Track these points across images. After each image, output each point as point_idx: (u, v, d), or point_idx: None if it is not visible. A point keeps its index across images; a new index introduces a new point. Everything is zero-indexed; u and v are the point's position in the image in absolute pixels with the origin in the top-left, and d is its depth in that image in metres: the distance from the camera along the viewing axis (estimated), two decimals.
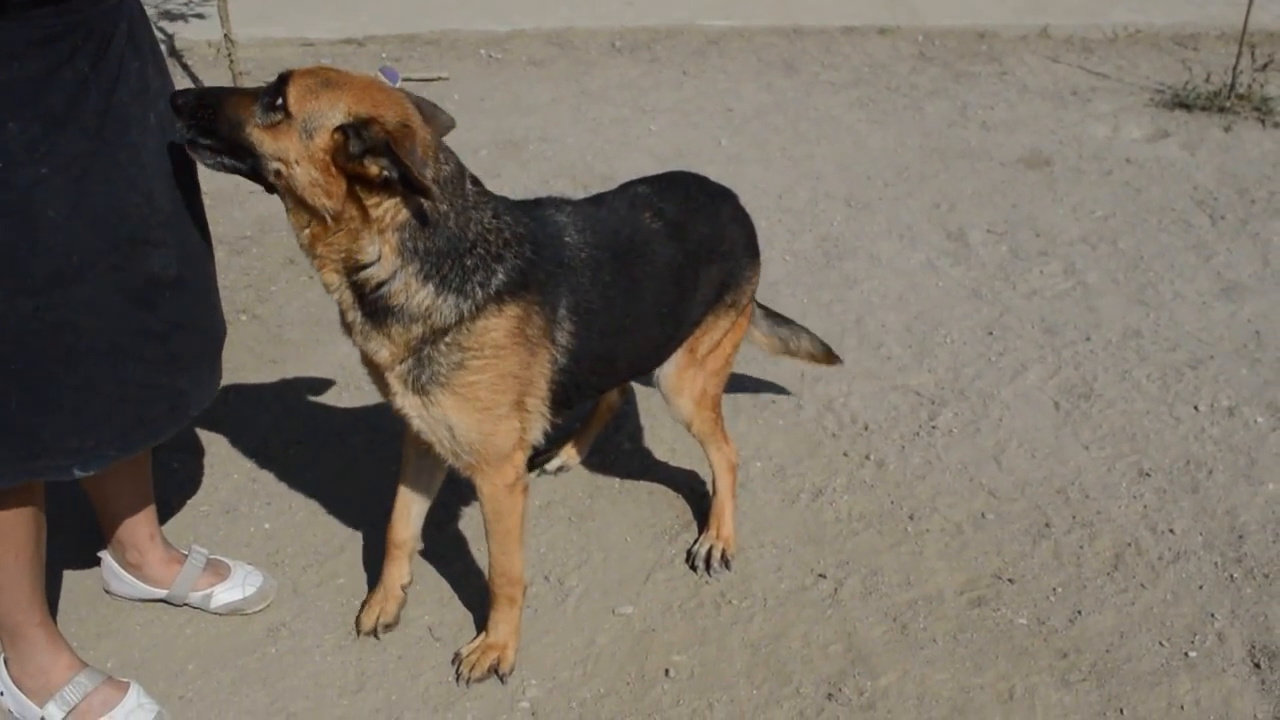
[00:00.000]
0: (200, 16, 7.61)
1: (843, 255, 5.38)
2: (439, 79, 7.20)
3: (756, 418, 4.18)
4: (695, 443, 3.95)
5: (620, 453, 3.98)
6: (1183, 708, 3.07)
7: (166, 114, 2.64)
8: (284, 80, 2.53)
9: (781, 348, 3.85)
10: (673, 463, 3.95)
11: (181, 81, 6.88)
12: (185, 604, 3.27)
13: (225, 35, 6.22)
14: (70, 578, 3.38)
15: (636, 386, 4.18)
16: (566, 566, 3.48)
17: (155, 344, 2.66)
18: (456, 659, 3.15)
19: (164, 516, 3.45)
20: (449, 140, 2.75)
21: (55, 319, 2.47)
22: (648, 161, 6.10)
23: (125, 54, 2.54)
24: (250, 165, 2.57)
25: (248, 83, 6.52)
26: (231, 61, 6.29)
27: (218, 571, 3.30)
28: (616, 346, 3.03)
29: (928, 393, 4.34)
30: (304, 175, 2.51)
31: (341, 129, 2.49)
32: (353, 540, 3.56)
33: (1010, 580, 3.48)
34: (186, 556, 3.28)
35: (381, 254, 2.60)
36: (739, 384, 4.28)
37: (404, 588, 3.30)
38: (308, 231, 2.62)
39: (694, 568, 3.50)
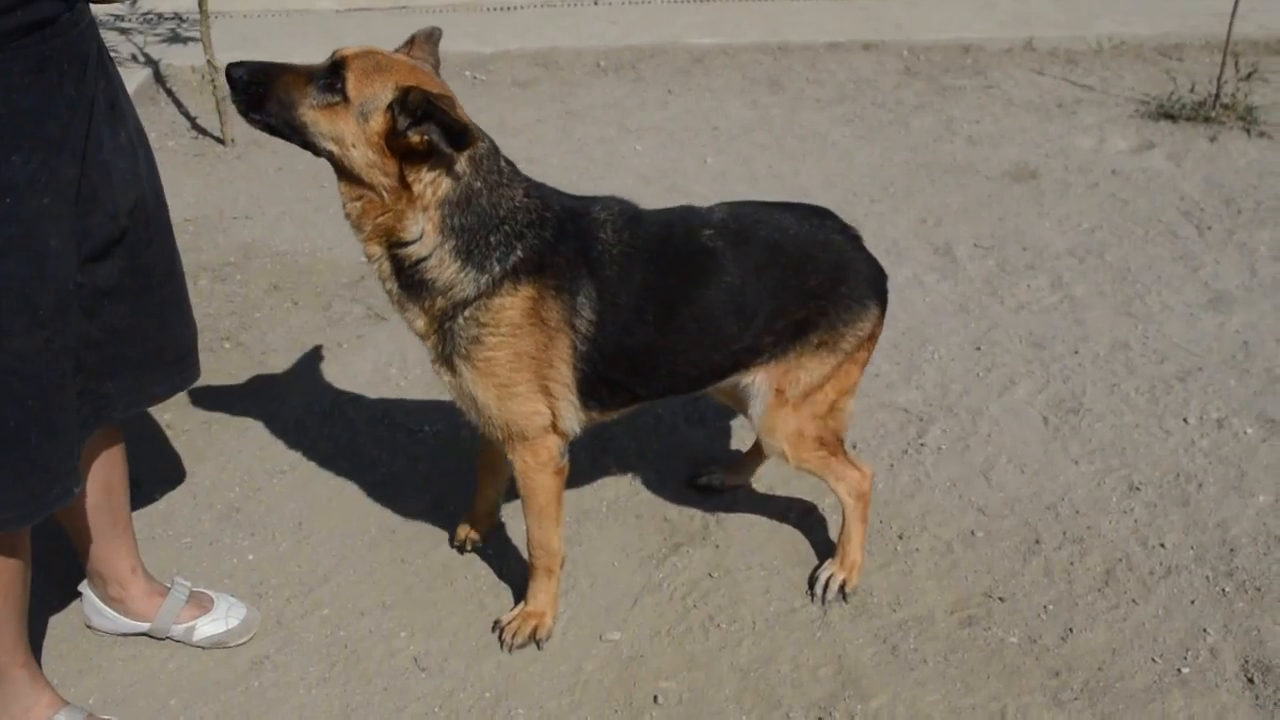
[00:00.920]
0: (184, 42, 7.60)
1: None
2: None
3: (744, 439, 4.15)
4: (682, 466, 3.95)
5: (606, 476, 3.95)
6: None
7: (136, 130, 2.71)
8: (342, 64, 2.62)
9: None
10: (660, 486, 3.92)
11: (164, 109, 6.87)
12: (168, 637, 3.24)
13: (208, 61, 6.20)
14: (51, 613, 3.34)
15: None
16: None
17: (94, 352, 2.67)
18: (497, 626, 3.28)
19: (146, 549, 3.41)
20: None
21: (57, 347, 2.50)
22: (634, 181, 6.08)
23: (97, 74, 2.55)
24: (300, 140, 2.69)
25: (231, 108, 6.48)
26: (215, 87, 6.28)
27: (200, 604, 3.26)
28: (649, 349, 3.04)
29: (916, 410, 4.32)
30: (361, 157, 2.64)
31: (390, 107, 2.59)
32: (337, 570, 3.53)
33: (1001, 599, 3.46)
34: (169, 589, 3.25)
35: (424, 231, 2.74)
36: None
37: (490, 514, 3.59)
38: (358, 204, 2.74)
39: (811, 592, 3.47)
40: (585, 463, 3.95)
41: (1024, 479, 3.96)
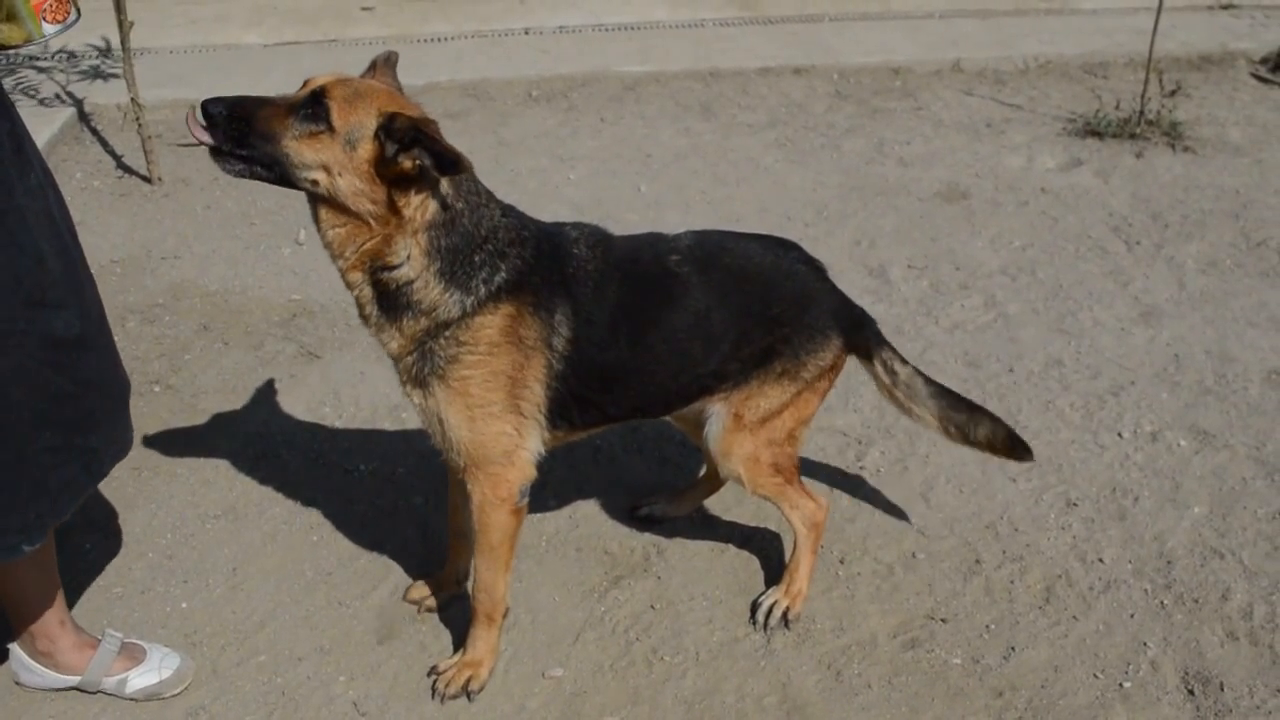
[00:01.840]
0: (106, 80, 7.48)
1: None
2: None
3: (683, 465, 4.14)
4: (621, 497, 3.92)
5: (545, 510, 3.91)
6: None
7: (43, 171, 2.65)
8: (323, 93, 2.62)
9: (959, 436, 3.49)
10: (600, 517, 3.89)
11: (89, 148, 6.77)
12: (99, 691, 3.16)
13: (132, 99, 6.11)
14: None
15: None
16: None
17: (69, 406, 2.64)
18: (434, 672, 3.22)
19: (75, 600, 3.34)
20: None
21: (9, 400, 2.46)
22: (567, 211, 6.06)
23: (0, 120, 2.50)
24: (278, 174, 2.66)
25: (158, 146, 6.42)
26: (140, 125, 6.18)
27: (132, 655, 3.19)
28: (619, 369, 3.05)
29: (854, 433, 4.32)
30: (348, 185, 2.64)
31: (377, 135, 2.60)
32: (274, 615, 3.46)
33: (943, 620, 3.46)
34: (99, 641, 3.17)
35: (411, 255, 2.75)
36: (666, 430, 4.24)
37: (459, 581, 3.47)
38: (341, 231, 2.74)
39: (753, 620, 3.44)
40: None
41: (963, 499, 3.98)
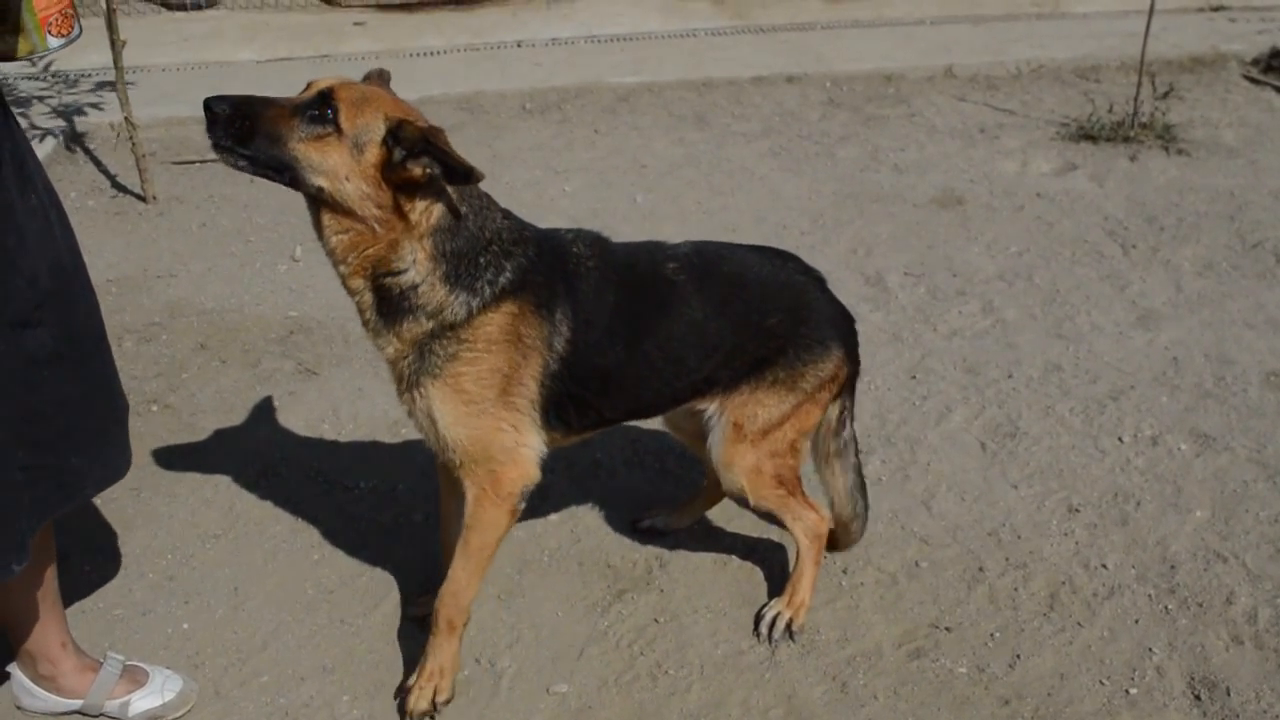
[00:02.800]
0: (101, 99, 7.48)
1: None
2: None
3: (684, 478, 4.13)
4: (623, 510, 3.91)
5: (548, 524, 3.90)
6: None
7: (46, 191, 2.64)
8: (330, 95, 2.60)
9: (838, 509, 3.53)
10: (602, 531, 3.88)
11: (83, 168, 6.76)
12: (101, 714, 3.14)
13: (125, 118, 6.11)
14: None
15: (567, 455, 4.10)
16: (498, 647, 3.39)
17: (43, 425, 2.62)
18: (399, 692, 3.18)
19: (76, 623, 3.31)
20: None
21: None
22: (563, 223, 6.03)
23: (2, 137, 2.50)
24: (288, 177, 2.62)
25: (152, 164, 6.42)
26: (134, 144, 6.18)
27: (134, 678, 3.17)
28: (616, 372, 3.05)
29: None
30: (355, 190, 2.60)
31: (385, 140, 2.58)
32: (276, 635, 3.45)
33: (948, 629, 3.45)
34: (101, 664, 3.15)
35: (417, 259, 2.73)
36: (667, 443, 4.23)
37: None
38: (345, 237, 2.70)
39: (757, 631, 3.43)
40: (525, 511, 3.88)
41: (964, 506, 3.97)
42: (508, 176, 6.78)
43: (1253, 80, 8.34)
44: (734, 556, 3.76)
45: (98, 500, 3.97)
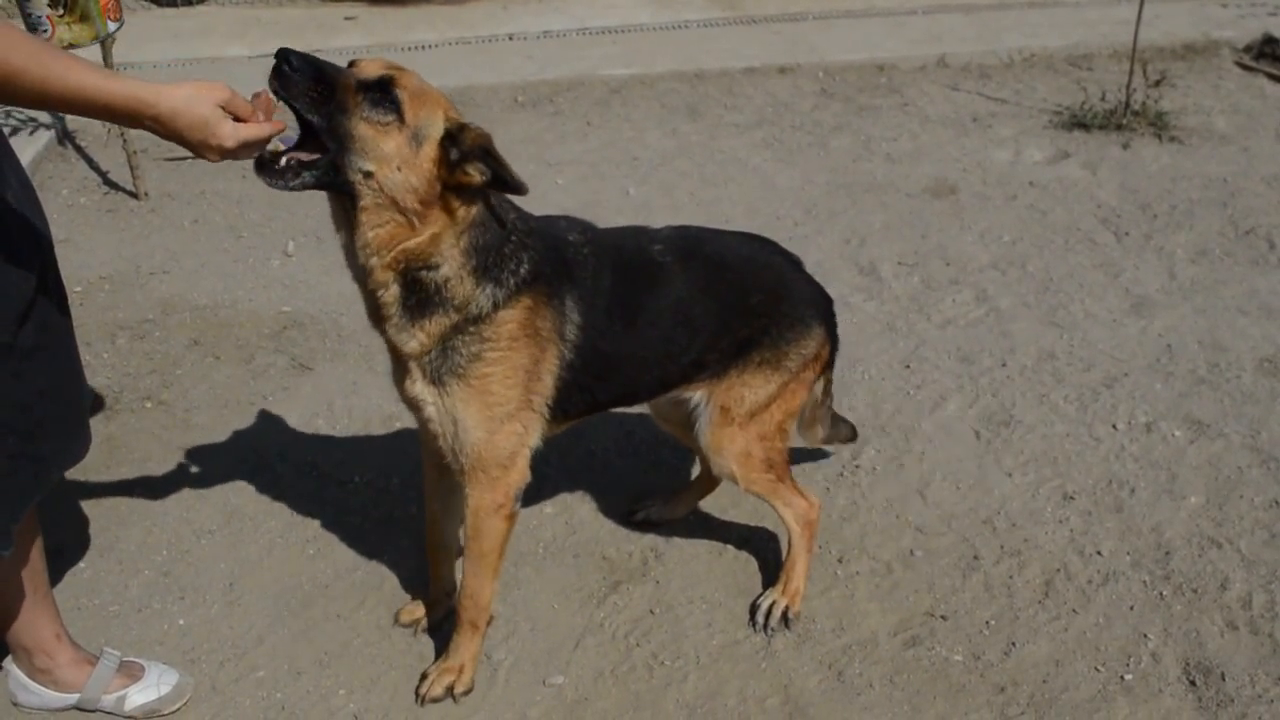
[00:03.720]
0: None
1: None
2: None
3: (678, 468, 4.13)
4: (618, 502, 3.91)
5: (543, 516, 3.90)
6: None
7: (22, 185, 2.62)
8: (393, 83, 2.54)
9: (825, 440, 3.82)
10: (596, 523, 3.88)
11: (74, 165, 6.74)
12: (98, 709, 3.14)
13: None
14: None
15: (561, 447, 4.10)
16: (494, 639, 3.38)
17: (23, 414, 2.63)
18: (423, 678, 3.21)
19: (72, 619, 3.31)
20: None
21: None
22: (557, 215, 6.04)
23: None
24: (330, 158, 2.53)
25: (143, 160, 6.39)
26: (125, 140, 6.16)
27: (130, 672, 3.17)
28: (614, 354, 3.07)
29: None
30: (403, 181, 2.57)
31: (443, 140, 2.58)
32: (272, 630, 3.44)
33: (943, 617, 3.46)
34: (98, 658, 3.15)
35: (453, 254, 2.72)
36: (660, 434, 4.24)
37: (448, 594, 3.44)
38: (383, 231, 2.64)
39: (753, 622, 3.44)
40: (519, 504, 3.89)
41: (959, 495, 3.97)
42: None
43: (1245, 67, 8.33)
44: (729, 547, 3.76)
45: (92, 496, 3.97)
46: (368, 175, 2.54)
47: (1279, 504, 3.90)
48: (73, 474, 3.79)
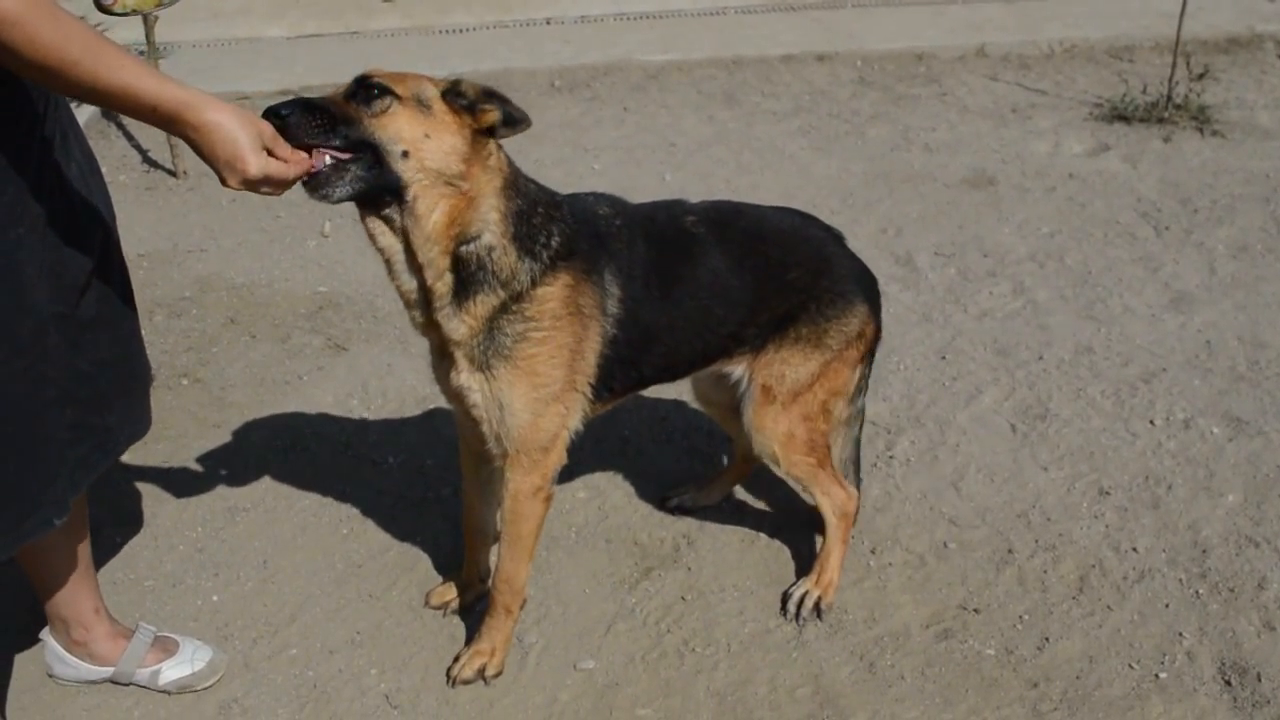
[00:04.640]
0: None
1: None
2: None
3: (712, 456, 4.12)
4: (651, 488, 3.91)
5: (575, 501, 3.91)
6: None
7: (85, 158, 2.67)
8: (367, 77, 2.61)
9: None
10: (629, 509, 3.88)
11: (115, 143, 6.79)
12: (131, 683, 3.16)
13: None
14: (11, 665, 3.25)
15: (595, 432, 4.09)
16: (525, 623, 3.39)
17: (86, 385, 2.66)
18: (455, 660, 3.23)
19: (108, 594, 3.33)
20: None
21: (35, 375, 2.50)
22: None
23: (54, 106, 2.56)
24: (366, 163, 2.56)
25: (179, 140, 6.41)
26: None
27: (165, 648, 3.19)
28: (652, 326, 3.05)
29: (883, 422, 4.30)
30: (438, 144, 2.60)
31: (444, 96, 2.63)
32: (305, 608, 3.46)
33: (976, 610, 3.44)
34: (133, 632, 3.18)
35: (492, 219, 2.72)
36: (694, 420, 4.23)
37: (482, 579, 3.44)
38: (441, 213, 2.67)
39: (784, 611, 3.43)
40: (561, 489, 3.90)
41: (994, 488, 3.95)
42: (536, 154, 6.76)
43: None
44: (761, 535, 3.76)
45: (129, 473, 4.00)
46: (406, 155, 2.57)
47: None
48: None
